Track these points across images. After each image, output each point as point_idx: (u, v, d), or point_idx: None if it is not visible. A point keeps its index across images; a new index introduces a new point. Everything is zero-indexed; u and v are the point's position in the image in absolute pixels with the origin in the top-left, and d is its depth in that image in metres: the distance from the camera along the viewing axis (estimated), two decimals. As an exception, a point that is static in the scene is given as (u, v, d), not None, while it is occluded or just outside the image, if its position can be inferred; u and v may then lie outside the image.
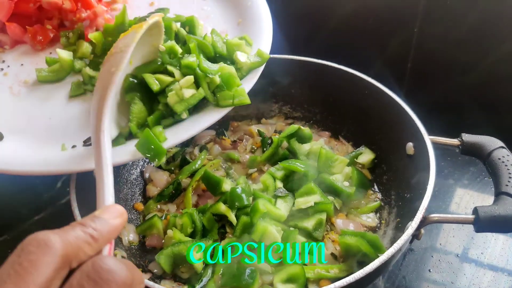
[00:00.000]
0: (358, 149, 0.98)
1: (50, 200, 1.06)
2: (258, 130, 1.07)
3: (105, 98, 0.59)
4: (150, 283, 0.62)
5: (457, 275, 0.91)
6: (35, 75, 0.87)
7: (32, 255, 0.31)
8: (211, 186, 0.91)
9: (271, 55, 1.06)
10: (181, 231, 0.83)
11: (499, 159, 0.72)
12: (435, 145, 0.81)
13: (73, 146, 0.75)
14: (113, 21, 0.87)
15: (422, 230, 0.69)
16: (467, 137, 0.79)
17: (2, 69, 0.91)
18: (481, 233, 0.97)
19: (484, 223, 0.65)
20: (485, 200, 1.05)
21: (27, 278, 0.30)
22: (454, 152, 1.15)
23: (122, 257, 0.82)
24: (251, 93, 1.11)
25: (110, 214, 0.40)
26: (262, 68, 0.85)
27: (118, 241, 0.87)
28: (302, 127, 0.96)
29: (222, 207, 0.83)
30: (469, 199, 1.06)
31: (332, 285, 0.59)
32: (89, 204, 0.79)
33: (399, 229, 0.81)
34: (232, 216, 0.81)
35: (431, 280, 0.90)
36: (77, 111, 0.82)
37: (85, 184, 0.81)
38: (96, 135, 0.55)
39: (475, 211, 0.67)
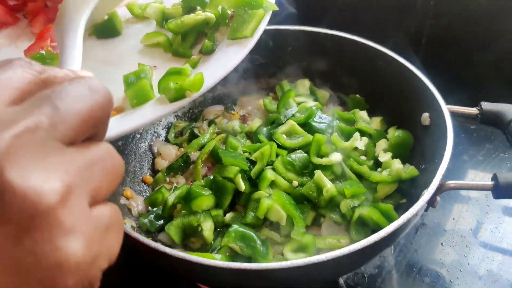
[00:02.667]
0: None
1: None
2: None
3: None
4: (162, 247, 0.62)
5: (470, 249, 0.89)
6: None
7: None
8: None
9: (283, 26, 1.05)
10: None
11: (520, 126, 0.70)
12: (452, 117, 0.78)
13: None
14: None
15: (438, 198, 0.68)
16: (486, 105, 0.76)
17: None
18: (495, 208, 0.96)
19: (503, 189, 0.63)
20: (500, 175, 1.03)
21: None
22: (469, 128, 1.14)
23: (132, 226, 0.82)
24: (260, 66, 1.10)
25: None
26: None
27: (128, 211, 0.86)
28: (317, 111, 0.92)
29: (233, 169, 0.81)
30: (483, 176, 1.04)
31: (346, 248, 0.58)
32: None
33: (413, 200, 0.79)
34: (239, 181, 0.79)
35: (443, 254, 0.88)
36: None
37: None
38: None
39: (495, 177, 0.65)
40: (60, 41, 0.62)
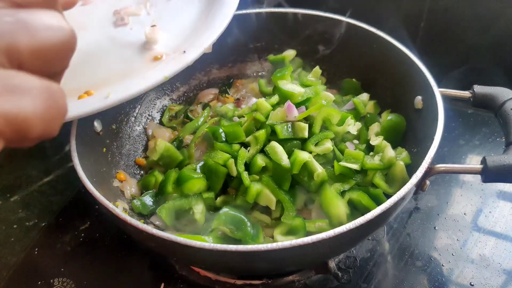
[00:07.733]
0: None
1: (59, 162, 1.08)
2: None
3: None
4: (149, 228, 0.62)
5: (463, 233, 0.89)
6: None
7: None
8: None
9: (278, 9, 1.03)
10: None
11: (512, 109, 0.69)
12: (447, 101, 0.77)
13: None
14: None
15: (427, 181, 0.67)
16: (478, 88, 0.75)
17: None
18: (489, 192, 0.95)
19: (492, 172, 0.63)
20: (496, 160, 1.02)
21: None
22: (466, 113, 1.13)
23: (124, 208, 0.83)
24: (255, 49, 1.09)
25: None
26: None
27: (121, 193, 0.87)
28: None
29: (224, 155, 0.81)
30: (479, 159, 1.02)
31: (332, 231, 0.58)
32: (89, 157, 0.80)
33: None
34: (232, 166, 0.79)
35: (436, 238, 0.88)
36: None
37: (85, 137, 0.81)
38: None
39: (483, 160, 0.64)
40: None
